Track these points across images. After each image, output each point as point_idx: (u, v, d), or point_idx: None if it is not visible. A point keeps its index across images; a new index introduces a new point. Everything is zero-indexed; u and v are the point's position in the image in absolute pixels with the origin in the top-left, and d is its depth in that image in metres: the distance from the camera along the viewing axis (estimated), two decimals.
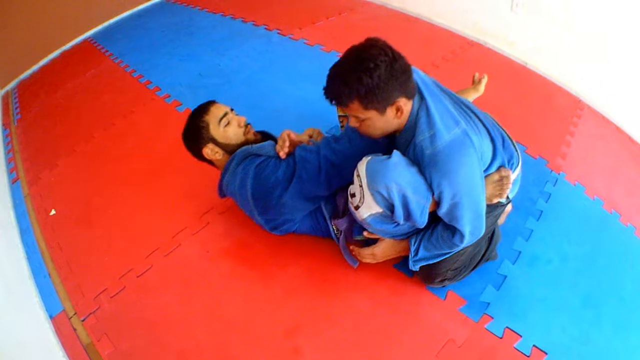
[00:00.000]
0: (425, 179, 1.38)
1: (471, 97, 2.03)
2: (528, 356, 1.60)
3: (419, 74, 1.46)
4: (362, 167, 1.41)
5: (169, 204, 2.21)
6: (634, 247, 2.08)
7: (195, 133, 1.79)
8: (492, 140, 1.50)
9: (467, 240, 1.47)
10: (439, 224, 1.51)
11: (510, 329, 1.66)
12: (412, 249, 1.60)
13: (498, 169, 1.54)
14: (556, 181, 2.26)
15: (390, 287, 1.80)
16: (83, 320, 1.80)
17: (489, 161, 1.50)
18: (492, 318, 1.69)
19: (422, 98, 1.40)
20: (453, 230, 1.46)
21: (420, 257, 1.61)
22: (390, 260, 1.82)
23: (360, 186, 1.41)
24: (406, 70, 1.32)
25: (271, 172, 1.68)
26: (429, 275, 1.69)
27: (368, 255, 1.74)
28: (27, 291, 1.94)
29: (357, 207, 1.47)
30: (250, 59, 3.29)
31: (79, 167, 2.60)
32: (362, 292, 1.79)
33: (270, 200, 1.71)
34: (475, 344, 1.63)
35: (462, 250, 1.61)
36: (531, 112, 2.75)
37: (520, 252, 1.92)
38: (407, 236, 1.62)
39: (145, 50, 3.65)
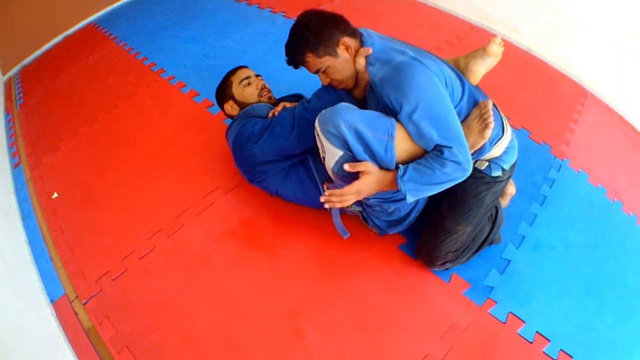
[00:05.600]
0: (388, 105, 1.43)
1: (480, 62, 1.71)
2: (531, 342, 1.60)
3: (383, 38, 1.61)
4: (316, 119, 1.48)
5: (173, 185, 2.20)
6: (637, 236, 2.08)
7: (221, 90, 2.09)
8: (462, 83, 1.57)
9: (460, 159, 1.37)
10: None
11: (514, 314, 1.67)
12: (401, 167, 1.43)
13: (477, 104, 1.55)
14: (560, 167, 2.26)
15: (395, 269, 1.80)
16: (84, 304, 1.79)
17: (460, 92, 1.54)
18: (496, 302, 1.70)
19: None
20: (440, 148, 1.38)
21: (410, 177, 1.41)
22: (395, 241, 1.84)
23: (318, 136, 1.47)
24: (335, 15, 1.58)
25: (249, 127, 1.84)
26: (430, 258, 1.70)
27: (352, 193, 1.48)
28: (29, 276, 1.94)
29: (325, 160, 1.51)
30: (255, 41, 3.26)
31: (81, 150, 2.58)
32: (366, 274, 1.80)
33: (243, 151, 1.86)
34: (479, 329, 1.63)
35: (460, 230, 1.62)
36: (535, 98, 2.74)
37: (524, 237, 1.92)
38: (395, 167, 1.46)
39: (150, 33, 3.61)
